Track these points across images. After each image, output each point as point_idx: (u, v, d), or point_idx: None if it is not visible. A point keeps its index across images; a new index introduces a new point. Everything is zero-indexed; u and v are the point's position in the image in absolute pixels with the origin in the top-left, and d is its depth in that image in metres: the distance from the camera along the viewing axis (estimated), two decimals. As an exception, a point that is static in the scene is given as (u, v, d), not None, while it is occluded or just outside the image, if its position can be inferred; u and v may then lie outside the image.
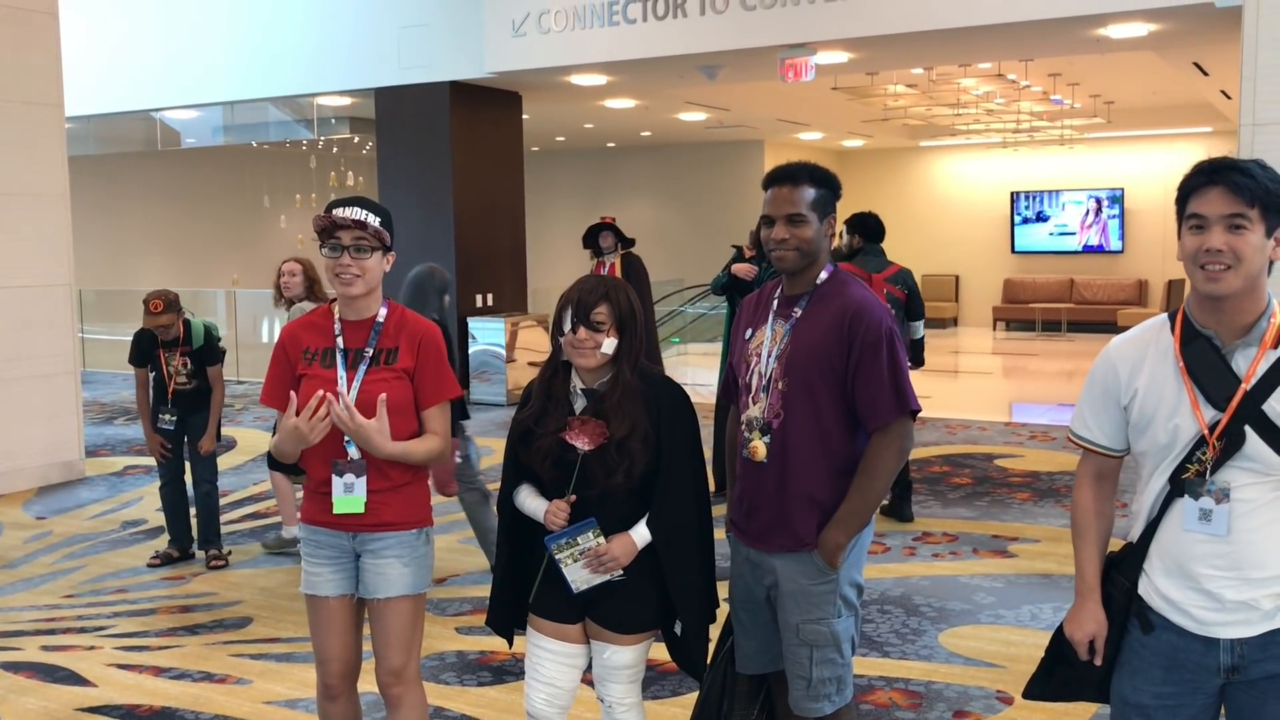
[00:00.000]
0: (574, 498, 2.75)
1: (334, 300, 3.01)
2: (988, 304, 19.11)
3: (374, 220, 2.89)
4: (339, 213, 2.86)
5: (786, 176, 2.78)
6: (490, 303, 11.67)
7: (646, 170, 19.93)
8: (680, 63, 10.22)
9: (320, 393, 2.82)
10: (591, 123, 15.92)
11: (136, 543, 6.42)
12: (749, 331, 2.89)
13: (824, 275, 2.81)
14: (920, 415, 2.81)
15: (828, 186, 2.79)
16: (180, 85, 12.85)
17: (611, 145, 19.68)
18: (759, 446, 2.77)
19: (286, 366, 2.97)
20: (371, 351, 2.93)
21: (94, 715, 4.10)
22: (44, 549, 6.34)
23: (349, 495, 2.89)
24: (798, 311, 2.78)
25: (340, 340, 2.94)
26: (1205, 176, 2.09)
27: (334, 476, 2.88)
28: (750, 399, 2.81)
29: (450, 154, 11.19)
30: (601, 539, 2.74)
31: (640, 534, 2.76)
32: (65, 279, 8.09)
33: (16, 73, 7.79)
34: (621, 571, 2.77)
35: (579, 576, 2.77)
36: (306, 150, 16.29)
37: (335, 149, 16.42)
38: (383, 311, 2.99)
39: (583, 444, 2.70)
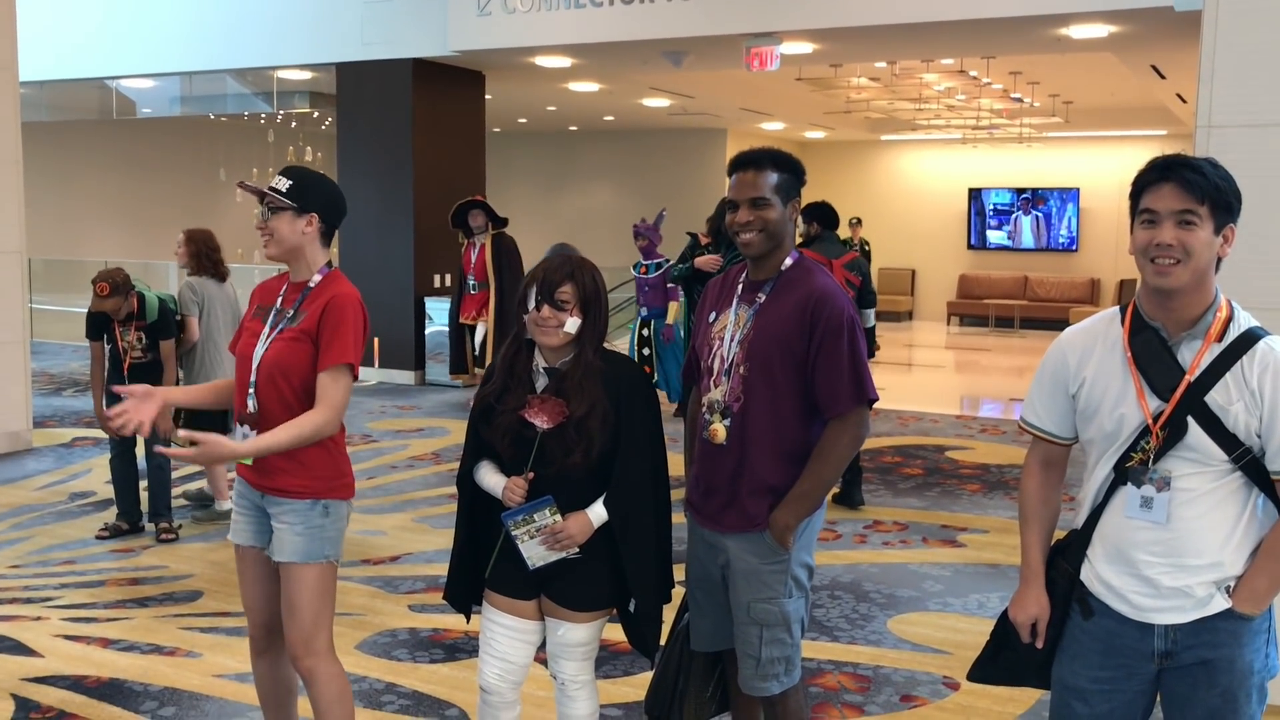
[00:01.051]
0: (532, 475, 2.76)
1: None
2: (943, 298, 19.30)
3: (280, 183, 2.97)
4: (275, 181, 2.99)
5: (750, 161, 2.81)
6: (448, 283, 11.60)
7: (608, 155, 19.89)
8: (645, 48, 10.21)
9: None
10: (554, 105, 15.86)
11: (85, 514, 6.34)
12: (713, 315, 2.91)
13: (789, 262, 2.83)
14: (874, 406, 2.85)
15: (791, 171, 2.82)
16: (138, 54, 12.64)
17: (574, 129, 19.62)
18: (719, 429, 2.80)
19: (249, 316, 3.10)
20: (291, 312, 2.97)
21: (40, 685, 4.06)
22: (-11, 519, 6.25)
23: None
24: (762, 297, 2.81)
25: (280, 300, 3.02)
26: (1158, 173, 2.16)
27: (235, 426, 2.95)
28: (712, 382, 2.84)
29: (411, 132, 11.12)
30: (558, 516, 2.75)
31: (597, 513, 2.78)
32: (16, 247, 7.95)
33: (-31, 34, 7.64)
34: (578, 549, 2.79)
35: (535, 553, 2.79)
36: (265, 124, 16.08)
37: (294, 124, 16.24)
38: (316, 278, 3.01)
39: (541, 422, 2.72)
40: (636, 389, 2.83)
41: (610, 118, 17.56)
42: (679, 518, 2.96)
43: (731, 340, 2.81)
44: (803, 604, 2.85)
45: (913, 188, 19.60)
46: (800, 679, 2.89)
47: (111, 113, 14.64)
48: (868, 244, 15.47)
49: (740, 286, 2.88)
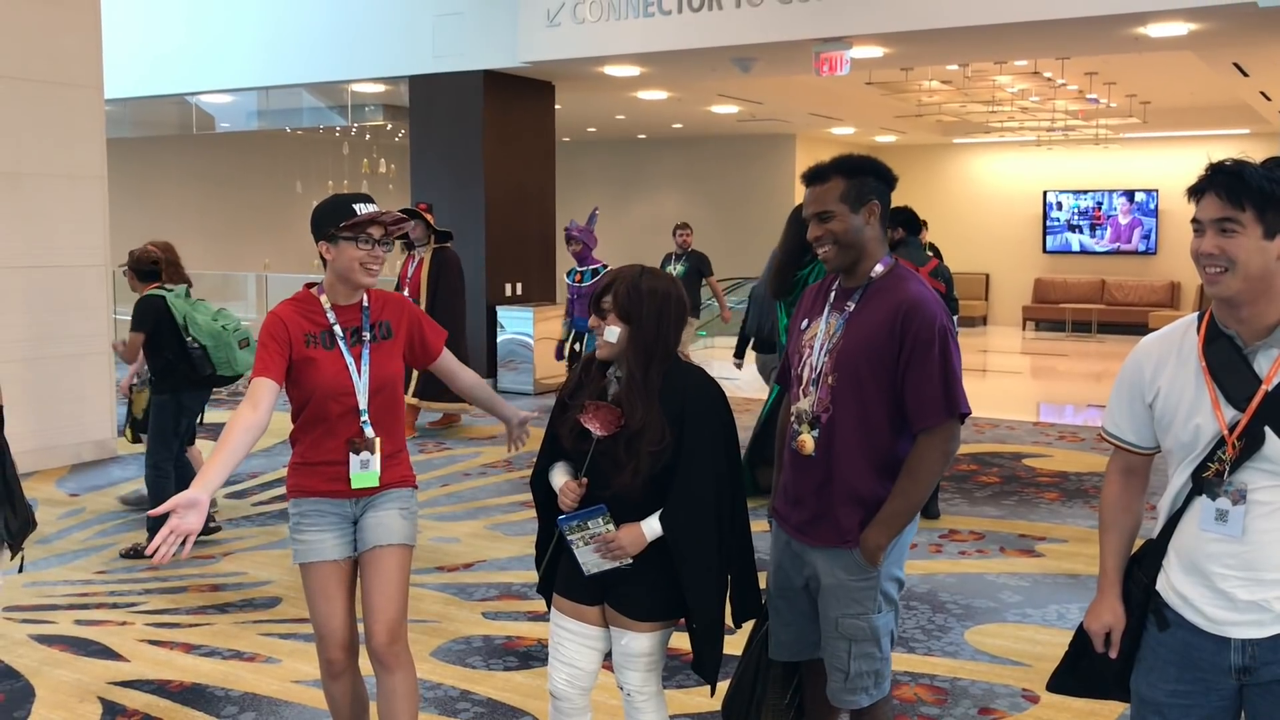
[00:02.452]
0: (585, 480, 2.77)
1: (311, 285, 3.09)
2: (1018, 303, 18.99)
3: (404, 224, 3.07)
4: (383, 213, 2.99)
5: (814, 176, 2.77)
6: (519, 292, 11.70)
7: (676, 163, 19.91)
8: (714, 55, 10.21)
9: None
10: (623, 114, 15.92)
11: (167, 521, 6.48)
12: (805, 322, 2.87)
13: (880, 269, 2.76)
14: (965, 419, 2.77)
15: (862, 174, 2.74)
16: (216, 70, 12.94)
17: (642, 137, 19.68)
18: (806, 440, 2.74)
19: (285, 344, 2.97)
20: (369, 334, 3.03)
21: (125, 689, 4.16)
22: (77, 525, 6.42)
23: (365, 471, 3.03)
24: (852, 305, 2.75)
25: (337, 327, 3.03)
26: (1202, 180, 2.12)
27: (351, 455, 3.00)
28: (801, 391, 2.79)
29: (482, 143, 11.23)
30: (611, 526, 2.74)
31: (651, 527, 2.74)
32: (101, 260, 8.17)
33: (56, 55, 7.87)
34: (630, 560, 2.77)
35: (589, 560, 2.78)
36: (340, 136, 16.37)
37: (368, 136, 16.50)
38: (365, 295, 3.09)
39: (595, 429, 2.71)
40: (704, 404, 2.77)
41: (679, 125, 17.58)
42: (760, 525, 2.93)
43: (820, 349, 2.76)
44: (892, 618, 2.80)
45: (986, 191, 19.33)
46: (889, 691, 2.86)
47: (192, 128, 15.01)
48: (935, 248, 15.31)
49: (833, 294, 2.83)
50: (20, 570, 3.50)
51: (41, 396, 7.74)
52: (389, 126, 14.79)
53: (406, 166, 12.11)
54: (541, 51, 10.62)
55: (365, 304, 3.08)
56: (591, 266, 8.38)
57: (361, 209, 2.97)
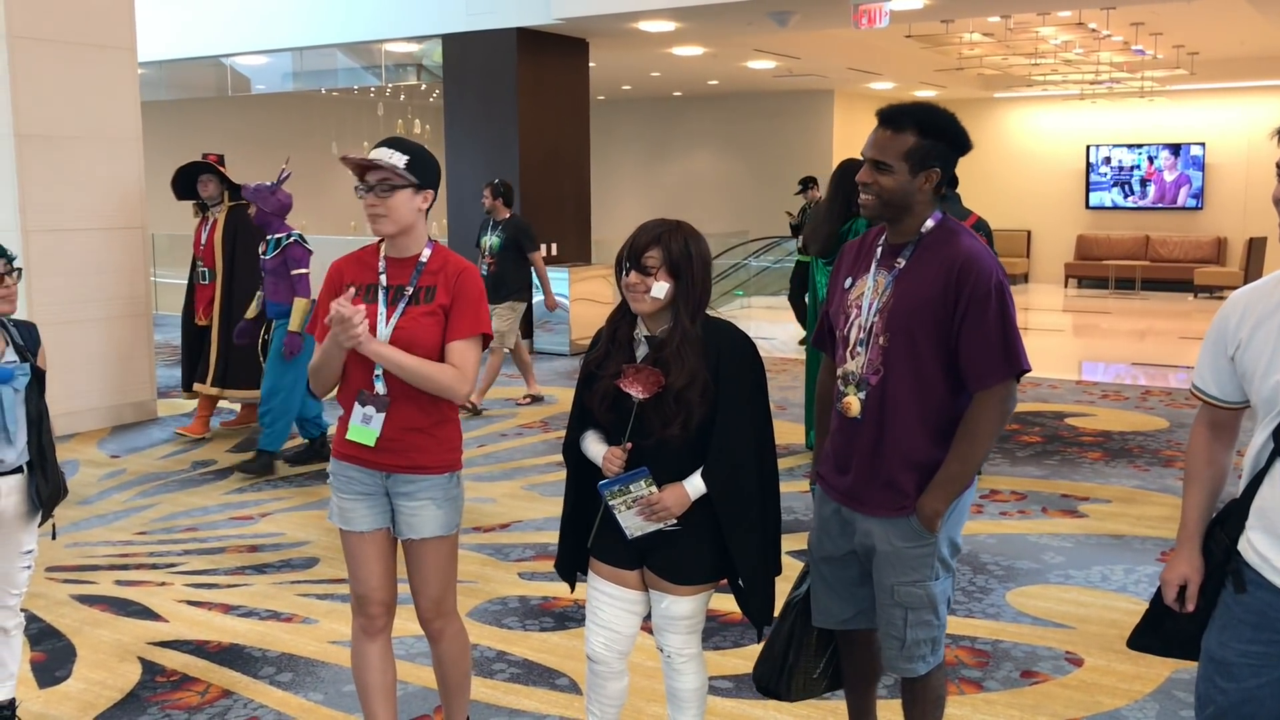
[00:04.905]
0: (629, 445, 2.72)
1: (383, 239, 2.99)
2: (1060, 260, 18.71)
3: (398, 159, 2.85)
4: (376, 154, 2.87)
5: (888, 118, 2.62)
6: (554, 252, 11.64)
7: (712, 120, 19.70)
8: (751, 9, 10.03)
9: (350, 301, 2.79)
10: (658, 71, 15.75)
11: (206, 483, 6.53)
12: (848, 281, 2.76)
13: (930, 223, 2.65)
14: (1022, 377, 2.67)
15: (936, 137, 2.59)
16: (251, 31, 12.91)
17: (678, 94, 19.48)
18: (853, 402, 2.66)
19: (331, 297, 2.94)
20: (412, 290, 2.93)
21: (165, 649, 4.18)
22: (117, 487, 6.47)
23: (365, 426, 2.89)
24: (901, 262, 2.64)
25: (384, 278, 2.94)
26: None
27: (356, 405, 2.89)
28: (848, 353, 2.70)
29: (516, 102, 11.14)
30: (654, 488, 2.70)
31: (694, 485, 2.71)
32: (139, 222, 8.19)
33: (89, 16, 7.85)
34: (675, 521, 2.73)
35: (632, 523, 2.75)
36: (374, 97, 16.32)
37: (403, 96, 16.44)
38: (426, 251, 2.98)
39: (637, 392, 2.66)
40: (738, 358, 2.73)
41: (714, 82, 17.38)
42: (790, 486, 2.87)
43: (870, 309, 2.66)
44: (949, 584, 2.73)
45: (1027, 146, 19.00)
46: (944, 658, 2.80)
47: (227, 90, 15.02)
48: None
49: (879, 250, 2.72)
50: (53, 537, 3.51)
51: (82, 359, 7.79)
52: (423, 86, 14.72)
53: (441, 127, 12.05)
54: (575, 7, 10.48)
55: (423, 260, 2.96)
56: (276, 236, 6.58)
57: (374, 153, 2.87)
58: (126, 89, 8.14)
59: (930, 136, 2.59)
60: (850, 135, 18.09)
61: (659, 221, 2.75)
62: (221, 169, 7.53)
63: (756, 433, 2.75)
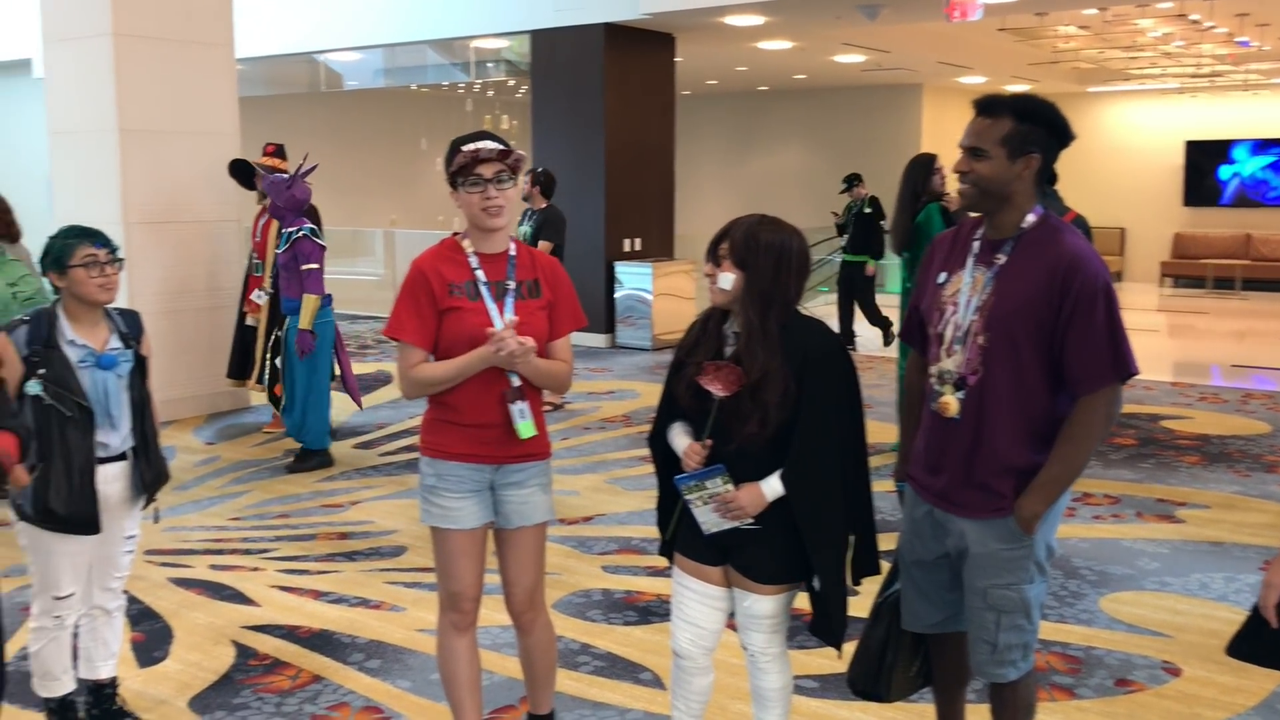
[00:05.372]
0: (709, 441, 2.70)
1: (457, 233, 3.00)
2: (1155, 259, 18.21)
3: (513, 150, 2.88)
4: (483, 145, 2.84)
5: (984, 106, 2.57)
6: (637, 247, 11.66)
7: (798, 114, 19.54)
8: (840, 2, 9.93)
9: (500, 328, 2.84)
10: (744, 65, 15.67)
11: (296, 469, 6.65)
12: (942, 275, 2.70)
13: (1031, 219, 2.58)
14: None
15: (1035, 121, 2.54)
16: (343, 28, 13.13)
17: (763, 88, 19.36)
18: (950, 402, 2.60)
19: (427, 298, 2.90)
20: (514, 284, 2.93)
21: (257, 633, 4.28)
22: (212, 473, 6.63)
23: (525, 421, 2.93)
24: (1001, 258, 2.57)
25: (480, 273, 2.93)
26: None
27: (510, 406, 2.91)
28: (944, 350, 2.64)
29: (602, 97, 11.16)
30: (730, 486, 2.67)
31: (771, 486, 2.67)
32: (234, 215, 8.38)
33: (190, 14, 8.05)
34: (752, 520, 2.70)
35: (708, 519, 2.73)
36: (463, 93, 16.49)
37: (490, 92, 16.59)
38: (513, 246, 2.99)
39: (716, 389, 2.63)
40: (824, 358, 2.67)
41: (801, 76, 17.23)
42: (877, 485, 2.82)
43: (967, 306, 2.59)
44: (1043, 588, 2.67)
45: (1123, 142, 18.50)
46: (1034, 664, 2.74)
47: (320, 86, 15.30)
48: None
49: (976, 245, 2.65)
50: (156, 520, 3.61)
51: (179, 348, 8.00)
52: (510, 82, 14.84)
53: (527, 122, 12.13)
54: (663, 2, 10.47)
55: (512, 254, 2.97)
56: (289, 230, 6.47)
57: (486, 145, 2.84)
58: (224, 85, 8.33)
59: (1028, 121, 2.54)
60: (938, 130, 17.81)
61: (746, 215, 2.73)
62: (275, 162, 7.27)
63: (843, 437, 2.70)
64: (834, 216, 12.02)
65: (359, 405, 7.30)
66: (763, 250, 2.64)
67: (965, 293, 2.61)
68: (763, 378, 2.60)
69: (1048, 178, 5.32)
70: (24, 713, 3.57)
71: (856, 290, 10.95)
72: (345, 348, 7.03)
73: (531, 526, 3.03)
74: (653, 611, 4.44)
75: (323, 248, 6.46)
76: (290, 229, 6.43)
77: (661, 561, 2.98)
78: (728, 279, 2.65)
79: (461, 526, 2.98)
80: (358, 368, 10.01)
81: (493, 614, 3.53)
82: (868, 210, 11.00)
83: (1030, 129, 2.54)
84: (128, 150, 7.70)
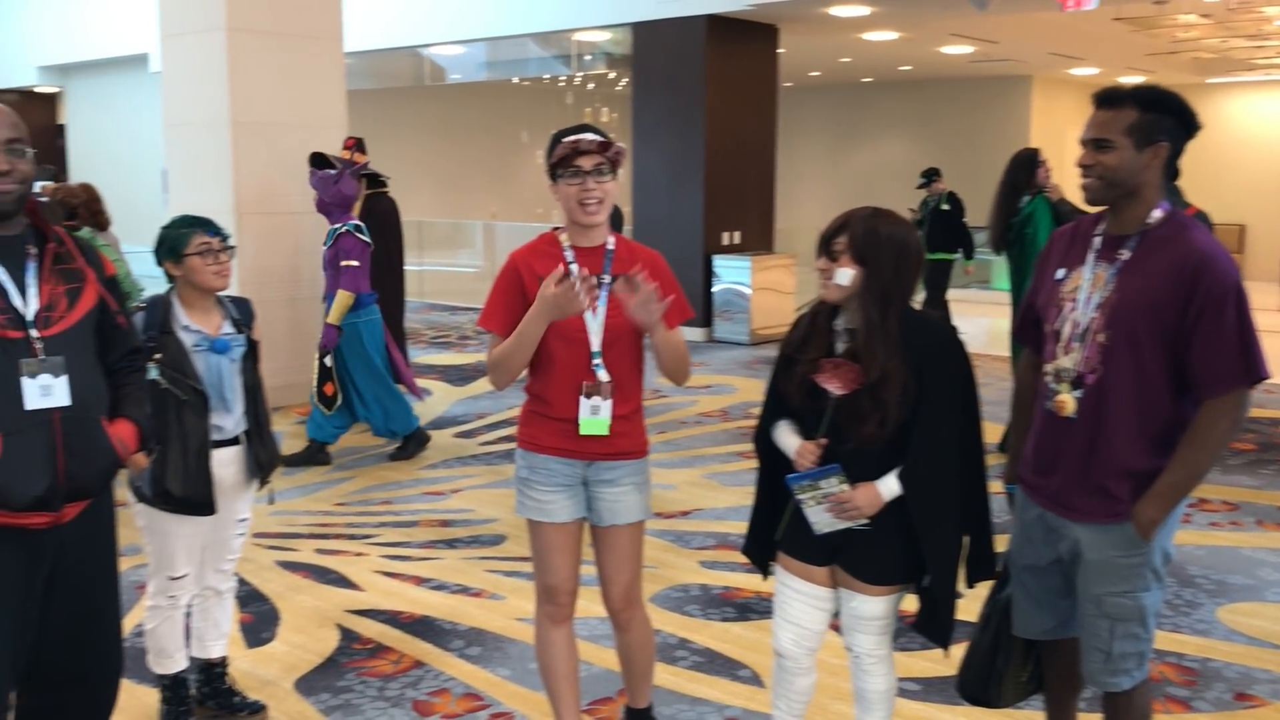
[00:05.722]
0: (824, 440, 2.64)
1: (557, 228, 2.99)
2: (1276, 257, 17.48)
3: (613, 143, 2.86)
4: (583, 137, 2.83)
5: (1106, 98, 2.49)
6: (736, 240, 11.58)
7: (902, 107, 19.22)
8: (948, -8, 9.73)
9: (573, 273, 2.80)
10: (849, 57, 15.47)
11: (400, 457, 6.75)
12: (1061, 272, 2.61)
13: (1157, 214, 2.49)
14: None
15: (1160, 110, 2.46)
16: (447, 22, 13.29)
17: (867, 80, 19.09)
18: (1067, 400, 2.52)
19: (518, 292, 2.90)
20: (609, 279, 2.90)
21: (361, 617, 4.35)
22: (318, 459, 6.76)
23: (595, 418, 2.88)
24: (1125, 254, 2.49)
25: (575, 268, 2.91)
26: None
27: (582, 399, 2.87)
28: (1061, 348, 2.56)
29: (704, 89, 11.11)
30: (845, 486, 2.62)
31: (888, 486, 2.61)
32: (341, 206, 8.53)
33: (301, 8, 8.21)
34: (867, 521, 2.65)
35: (821, 520, 2.67)
36: (563, 86, 16.59)
37: (591, 85, 16.65)
38: (611, 240, 2.96)
39: (834, 388, 2.58)
40: (944, 356, 2.61)
41: (907, 67, 16.95)
42: (994, 487, 2.75)
43: (1088, 303, 2.51)
44: (1159, 595, 2.58)
45: (1243, 135, 17.83)
46: (1149, 673, 2.65)
47: (424, 79, 15.52)
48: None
49: (1097, 240, 2.56)
50: (271, 501, 3.68)
51: (286, 336, 8.16)
52: (611, 75, 14.87)
53: (628, 115, 12.14)
54: (766, -7, 10.39)
55: (610, 248, 2.95)
56: (334, 227, 6.38)
57: (586, 136, 2.83)
58: (333, 78, 8.49)
59: (1153, 110, 2.45)
60: (1048, 123, 17.37)
61: (859, 208, 2.67)
62: (358, 155, 7.09)
63: (962, 437, 2.64)
64: (910, 213, 11.77)
65: (418, 396, 7.07)
66: (883, 245, 2.58)
67: (1085, 289, 2.53)
68: (883, 377, 2.54)
69: (1172, 172, 5.08)
70: (139, 688, 3.68)
71: (937, 288, 10.69)
72: (394, 343, 6.90)
73: (624, 525, 3.00)
74: (751, 608, 4.39)
75: (366, 245, 6.37)
76: (336, 225, 6.37)
77: (772, 554, 2.92)
78: (846, 274, 2.59)
79: (554, 520, 2.99)
80: (458, 358, 10.14)
81: (591, 605, 3.52)
82: (945, 206, 10.74)
83: (1157, 118, 2.46)
84: (239, 142, 7.89)
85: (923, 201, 11.15)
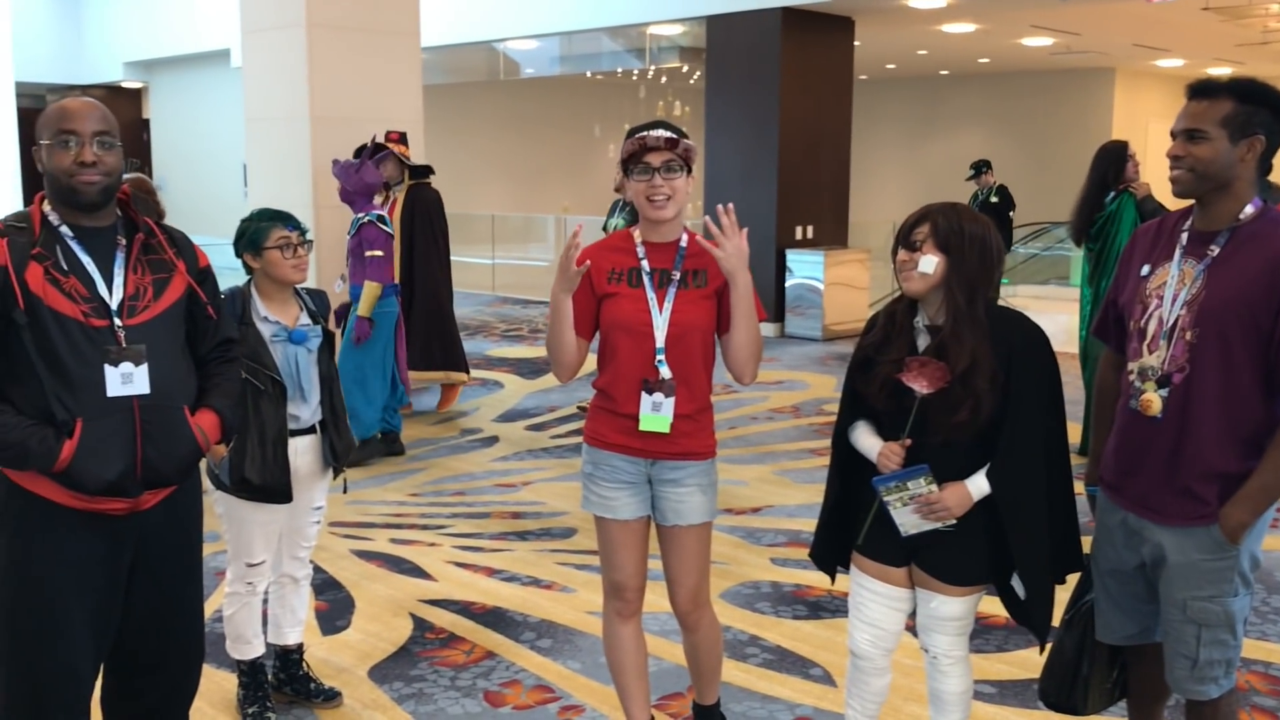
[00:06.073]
0: (909, 441, 2.60)
1: (631, 225, 3.00)
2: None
3: (682, 139, 2.84)
4: (652, 133, 2.82)
5: (1200, 89, 2.43)
6: (809, 235, 11.49)
7: (980, 100, 18.92)
8: (1029, -18, 9.54)
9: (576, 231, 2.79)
10: (925, 49, 15.27)
11: (474, 449, 6.82)
12: (1145, 268, 2.56)
13: (1249, 210, 2.42)
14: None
15: (1257, 102, 2.39)
16: (521, 16, 13.36)
17: (944, 73, 18.82)
18: (1153, 400, 2.46)
19: (585, 285, 2.91)
20: (678, 274, 2.89)
21: (434, 607, 4.39)
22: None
23: (656, 414, 2.86)
24: (1214, 250, 2.43)
25: (645, 263, 2.91)
26: None
27: (643, 394, 2.85)
28: (1145, 346, 2.50)
29: (778, 82, 11.03)
30: (934, 486, 2.58)
31: (977, 485, 2.58)
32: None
33: (379, 4, 8.29)
34: (953, 521, 2.61)
35: (908, 521, 2.64)
36: (637, 80, 16.59)
37: (664, 79, 16.62)
38: (684, 237, 2.95)
39: (921, 387, 2.54)
40: (1031, 350, 2.57)
41: (985, 60, 16.68)
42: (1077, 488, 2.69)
43: (1175, 300, 2.45)
44: (1247, 601, 2.50)
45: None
46: (1236, 682, 2.57)
47: (499, 74, 15.61)
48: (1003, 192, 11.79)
49: (1184, 236, 2.50)
50: (344, 490, 3.73)
51: (363, 328, 8.28)
52: (684, 69, 14.83)
53: (701, 109, 12.10)
54: (842, -15, 10.29)
55: (683, 244, 2.93)
56: (356, 217, 6.36)
57: (653, 133, 2.82)
58: (410, 73, 8.57)
59: (1250, 102, 2.39)
60: (1131, 116, 16.99)
61: (939, 202, 2.64)
62: (400, 148, 7.20)
63: (1049, 433, 2.59)
64: None
65: (407, 395, 6.97)
66: (968, 235, 2.55)
67: (1172, 286, 2.47)
68: (973, 364, 2.50)
69: (1266, 167, 4.93)
70: (219, 673, 3.75)
71: None
72: (404, 340, 6.87)
73: (688, 526, 2.96)
74: (823, 607, 4.36)
75: (389, 235, 6.33)
76: (359, 215, 6.32)
77: (840, 557, 2.89)
78: (930, 262, 2.54)
79: (618, 516, 2.98)
80: (530, 351, 10.20)
81: (661, 600, 3.51)
82: (994, 200, 10.51)
83: (1253, 110, 2.39)
84: (318, 137, 7.99)
85: (973, 195, 10.95)
